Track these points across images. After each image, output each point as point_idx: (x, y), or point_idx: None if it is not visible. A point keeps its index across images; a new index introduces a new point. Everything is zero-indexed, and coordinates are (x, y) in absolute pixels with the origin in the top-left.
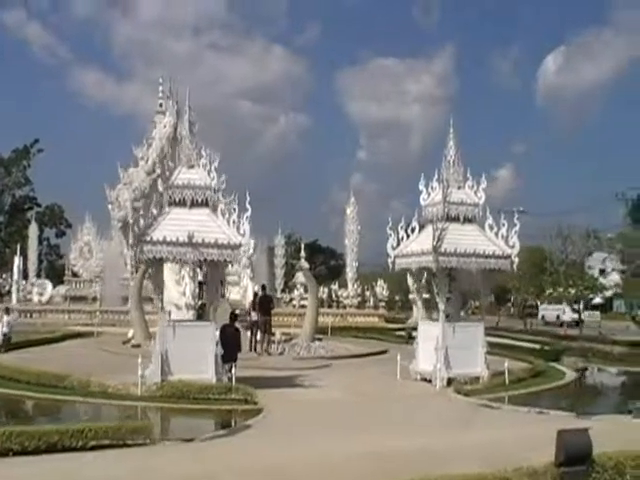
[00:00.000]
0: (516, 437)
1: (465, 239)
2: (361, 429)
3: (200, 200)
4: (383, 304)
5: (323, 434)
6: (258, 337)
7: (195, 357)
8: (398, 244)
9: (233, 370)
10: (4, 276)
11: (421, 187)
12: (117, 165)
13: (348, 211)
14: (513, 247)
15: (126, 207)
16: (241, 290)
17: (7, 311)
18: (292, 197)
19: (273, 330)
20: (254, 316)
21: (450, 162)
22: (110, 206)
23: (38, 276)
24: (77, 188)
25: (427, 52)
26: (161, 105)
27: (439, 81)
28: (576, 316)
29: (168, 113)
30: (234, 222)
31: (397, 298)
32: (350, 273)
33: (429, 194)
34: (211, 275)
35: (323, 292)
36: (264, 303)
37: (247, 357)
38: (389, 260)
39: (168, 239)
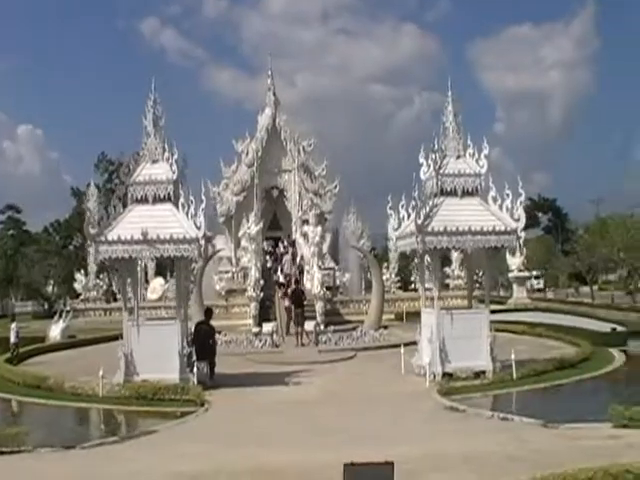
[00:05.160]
0: (433, 453)
1: (462, 215)
2: (275, 440)
3: (163, 195)
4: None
5: (221, 445)
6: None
7: (161, 356)
8: (400, 225)
9: (195, 368)
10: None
11: (421, 159)
12: (220, 160)
13: None
14: (518, 220)
15: (228, 202)
16: (309, 277)
17: (14, 318)
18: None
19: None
20: (286, 302)
21: (448, 129)
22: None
23: (159, 274)
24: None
25: (564, 13)
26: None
27: (578, 43)
28: None
29: (267, 110)
30: (191, 215)
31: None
32: (455, 252)
33: (429, 166)
34: (178, 272)
35: None
36: (296, 297)
37: (269, 351)
38: (390, 243)
39: (123, 238)
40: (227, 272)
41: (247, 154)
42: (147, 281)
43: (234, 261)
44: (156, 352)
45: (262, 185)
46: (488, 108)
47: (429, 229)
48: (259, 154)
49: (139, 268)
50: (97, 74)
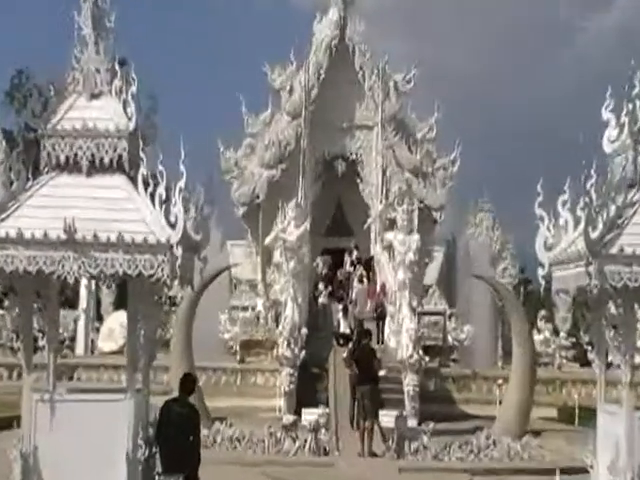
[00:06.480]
0: None
1: None
2: None
3: (108, 160)
4: None
5: None
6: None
7: (94, 463)
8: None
9: None
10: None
11: (605, 114)
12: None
13: None
14: None
15: (254, 179)
16: (395, 327)
17: None
18: None
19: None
20: (354, 370)
21: None
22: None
23: (121, 306)
24: None
25: None
26: None
27: None
28: None
29: (330, 11)
30: (161, 201)
31: None
32: None
33: (621, 129)
34: (133, 303)
35: None
36: (363, 359)
37: (309, 461)
38: (540, 272)
39: (27, 235)
40: (245, 308)
41: (290, 93)
42: (100, 318)
43: (260, 288)
44: (85, 454)
45: (316, 152)
46: None
47: (613, 250)
48: (312, 95)
49: (86, 294)
50: None
